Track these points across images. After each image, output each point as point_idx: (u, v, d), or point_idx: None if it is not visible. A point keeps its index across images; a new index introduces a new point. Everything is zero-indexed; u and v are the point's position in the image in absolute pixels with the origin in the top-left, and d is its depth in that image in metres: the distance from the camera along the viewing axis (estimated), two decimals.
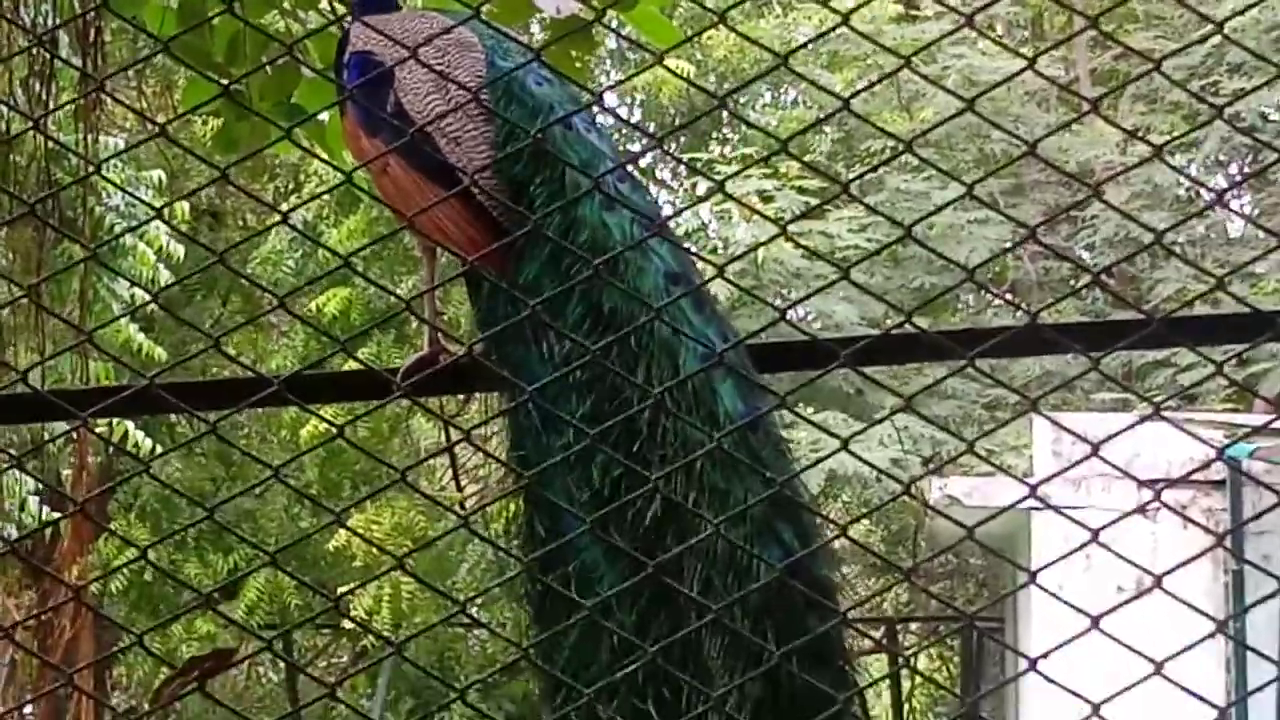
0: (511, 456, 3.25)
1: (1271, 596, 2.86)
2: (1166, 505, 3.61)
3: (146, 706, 14.68)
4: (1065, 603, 2.76)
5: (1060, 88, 15.30)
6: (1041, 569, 3.49)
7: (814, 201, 12.61)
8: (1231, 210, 15.34)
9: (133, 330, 11.00)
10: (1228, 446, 8.84)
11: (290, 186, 13.76)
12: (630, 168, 3.83)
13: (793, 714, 2.91)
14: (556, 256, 3.09)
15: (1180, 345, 3.44)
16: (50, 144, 4.58)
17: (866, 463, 3.22)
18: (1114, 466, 3.01)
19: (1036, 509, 7.67)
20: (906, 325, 3.00)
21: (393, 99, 3.19)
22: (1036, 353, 3.92)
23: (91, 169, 4.46)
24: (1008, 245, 13.31)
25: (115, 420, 9.60)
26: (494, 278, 3.15)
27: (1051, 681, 2.66)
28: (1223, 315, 3.39)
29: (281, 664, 14.84)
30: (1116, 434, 3.27)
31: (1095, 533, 2.67)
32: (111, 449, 11.38)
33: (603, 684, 2.90)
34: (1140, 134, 13.81)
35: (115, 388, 3.75)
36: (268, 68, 4.71)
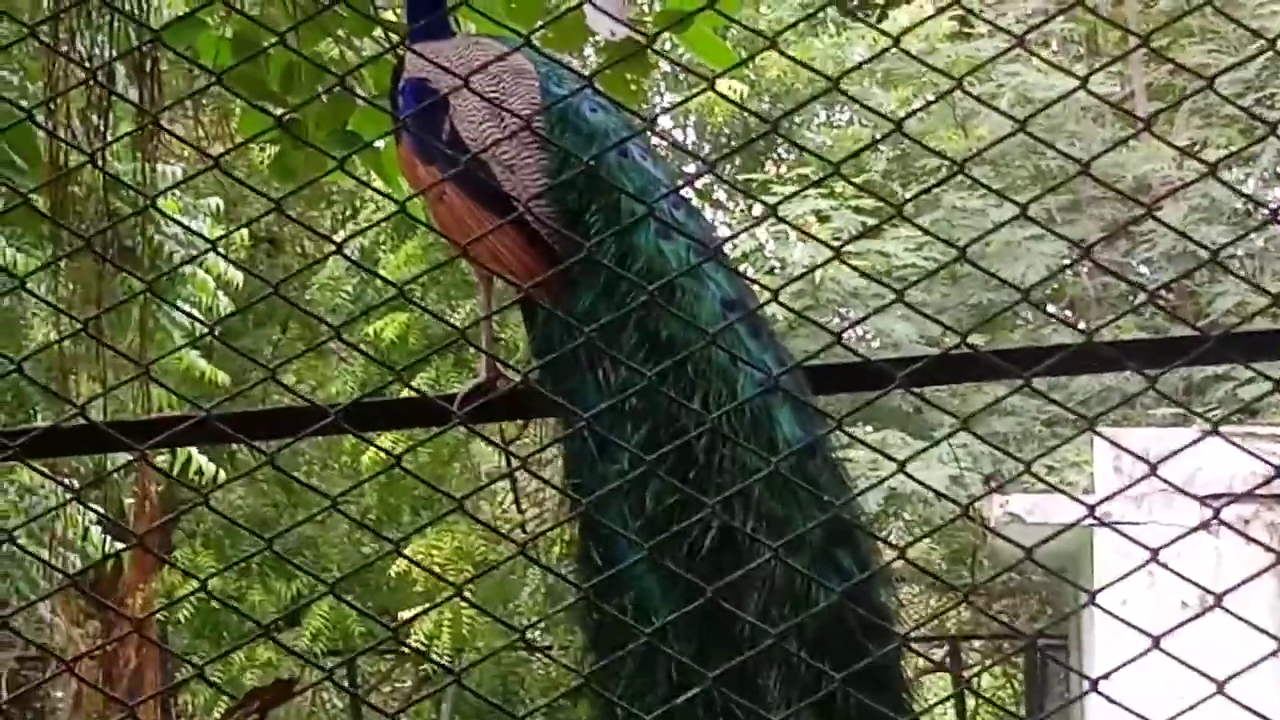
0: (567, 483, 3.29)
1: None
2: (1225, 523, 3.61)
3: None
4: (1126, 622, 2.72)
5: (1112, 106, 15.23)
6: (1102, 589, 3.50)
7: (871, 221, 12.62)
8: None
9: (194, 356, 11.16)
10: None
11: (348, 212, 13.90)
12: (685, 192, 3.88)
13: None
14: (612, 284, 3.12)
15: (1235, 362, 3.43)
16: (108, 176, 4.70)
17: (924, 485, 3.21)
18: (1172, 485, 3.05)
19: (1097, 526, 7.64)
20: (963, 345, 3.02)
21: (448, 126, 3.23)
22: (1094, 370, 3.96)
23: (148, 202, 4.61)
24: (1065, 262, 13.26)
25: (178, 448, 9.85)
26: (549, 305, 3.17)
27: (1113, 702, 2.64)
28: (1277, 330, 3.36)
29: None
30: (1176, 452, 3.30)
31: (1155, 551, 2.66)
32: (173, 477, 11.55)
33: (660, 713, 2.91)
34: (1196, 149, 13.83)
35: (175, 418, 3.77)
36: (323, 96, 4.76)
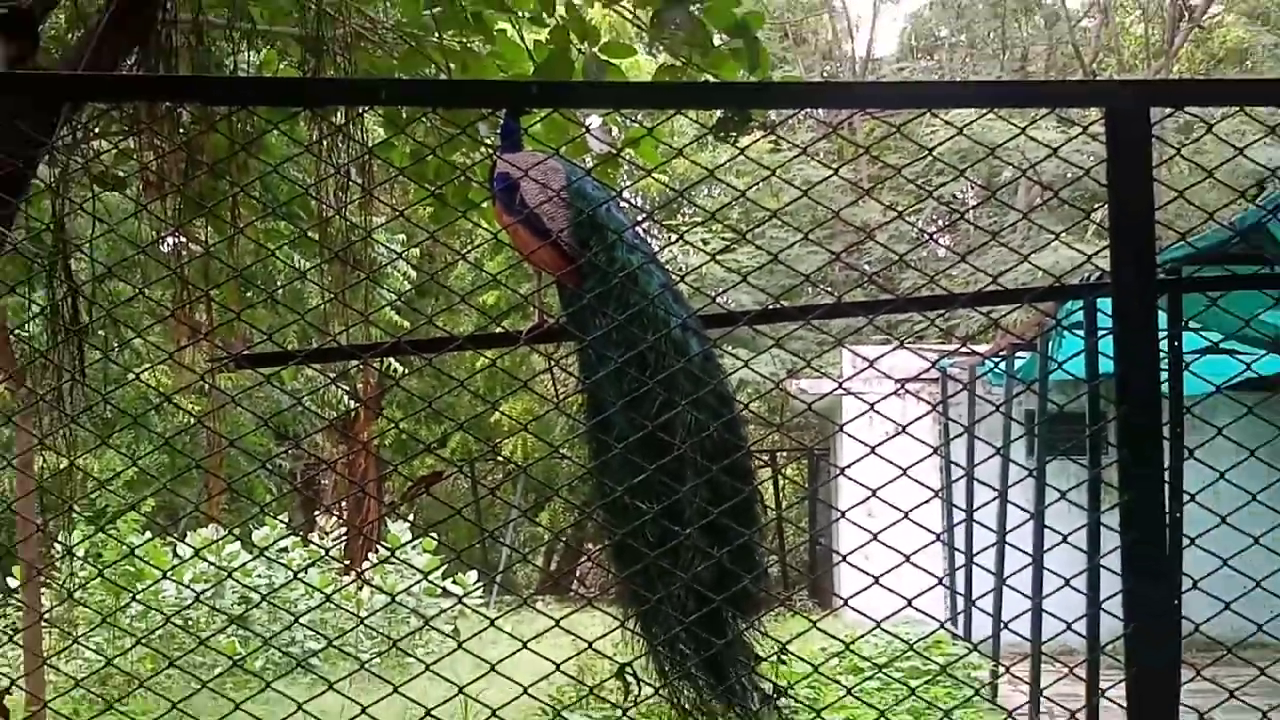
0: (582, 376, 4.32)
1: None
2: (909, 390, 5.31)
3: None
4: (856, 438, 3.87)
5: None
6: (847, 422, 5.18)
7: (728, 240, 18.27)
8: None
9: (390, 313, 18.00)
10: (938, 360, 14.13)
11: (474, 239, 18.97)
12: (639, 231, 4.70)
13: (720, 491, 3.90)
14: (604, 275, 4.13)
15: (913, 310, 4.70)
16: (347, 222, 6.16)
17: (758, 373, 4.62)
18: (879, 371, 3.99)
19: (843, 394, 10.80)
20: (776, 304, 4.59)
21: (519, 197, 4.16)
22: (845, 315, 5.08)
23: (366, 234, 5.95)
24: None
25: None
26: (571, 286, 4.22)
27: (853, 480, 3.41)
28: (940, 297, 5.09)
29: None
30: (880, 356, 4.35)
31: (871, 404, 3.55)
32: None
33: (625, 488, 3.87)
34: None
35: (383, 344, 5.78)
36: (455, 182, 6.14)
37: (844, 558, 3.81)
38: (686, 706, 3.97)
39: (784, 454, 26.24)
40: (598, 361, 4.11)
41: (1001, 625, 10.61)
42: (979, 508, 11.07)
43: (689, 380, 4.01)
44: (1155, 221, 2.65)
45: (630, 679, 3.93)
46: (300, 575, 13.71)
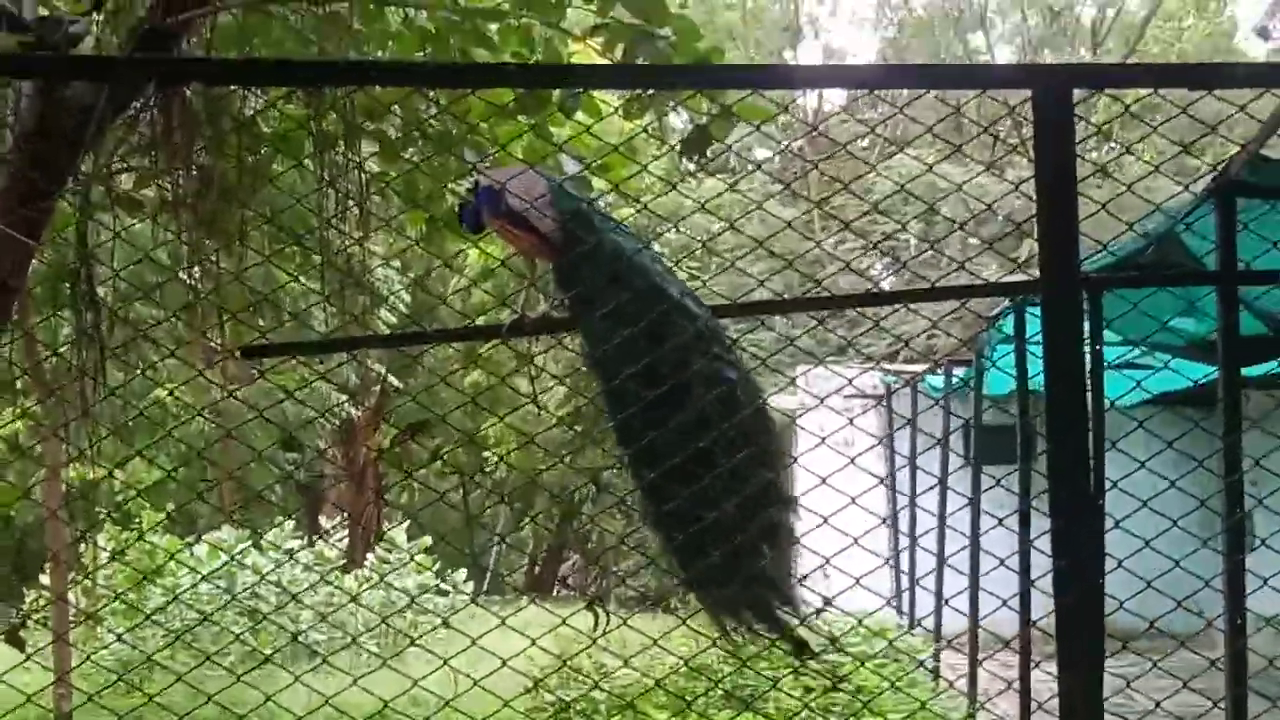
0: (589, 345, 4.07)
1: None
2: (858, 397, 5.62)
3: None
4: (813, 434, 3.80)
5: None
6: (799, 414, 5.41)
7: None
8: None
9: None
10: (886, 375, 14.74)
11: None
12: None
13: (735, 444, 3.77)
14: (581, 251, 4.04)
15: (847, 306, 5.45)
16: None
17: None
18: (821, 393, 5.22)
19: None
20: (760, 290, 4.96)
21: (503, 200, 4.17)
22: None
23: (356, 238, 5.88)
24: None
25: None
26: (556, 262, 4.19)
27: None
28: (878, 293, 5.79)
29: None
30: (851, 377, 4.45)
31: (821, 400, 4.50)
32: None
33: (639, 447, 3.77)
34: None
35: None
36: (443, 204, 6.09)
37: (797, 540, 3.86)
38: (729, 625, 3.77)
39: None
40: (599, 324, 3.94)
41: (943, 602, 10.63)
42: (922, 493, 11.14)
43: (690, 327, 3.89)
44: (1078, 218, 2.64)
45: (599, 611, 3.87)
46: (320, 571, 13.69)
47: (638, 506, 4.01)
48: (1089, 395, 2.74)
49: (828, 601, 3.68)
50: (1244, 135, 4.68)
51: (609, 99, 6.02)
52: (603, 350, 3.90)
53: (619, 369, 3.79)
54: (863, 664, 5.57)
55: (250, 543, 14.91)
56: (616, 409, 3.86)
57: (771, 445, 3.92)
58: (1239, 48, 31.28)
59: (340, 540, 16.87)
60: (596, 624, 3.92)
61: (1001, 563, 4.14)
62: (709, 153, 5.52)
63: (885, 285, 25.95)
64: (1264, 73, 3.04)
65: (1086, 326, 2.95)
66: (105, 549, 13.02)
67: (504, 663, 3.51)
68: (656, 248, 4.43)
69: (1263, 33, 30.26)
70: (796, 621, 3.80)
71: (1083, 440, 2.76)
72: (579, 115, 5.73)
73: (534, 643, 3.54)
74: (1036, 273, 2.72)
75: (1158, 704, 3.73)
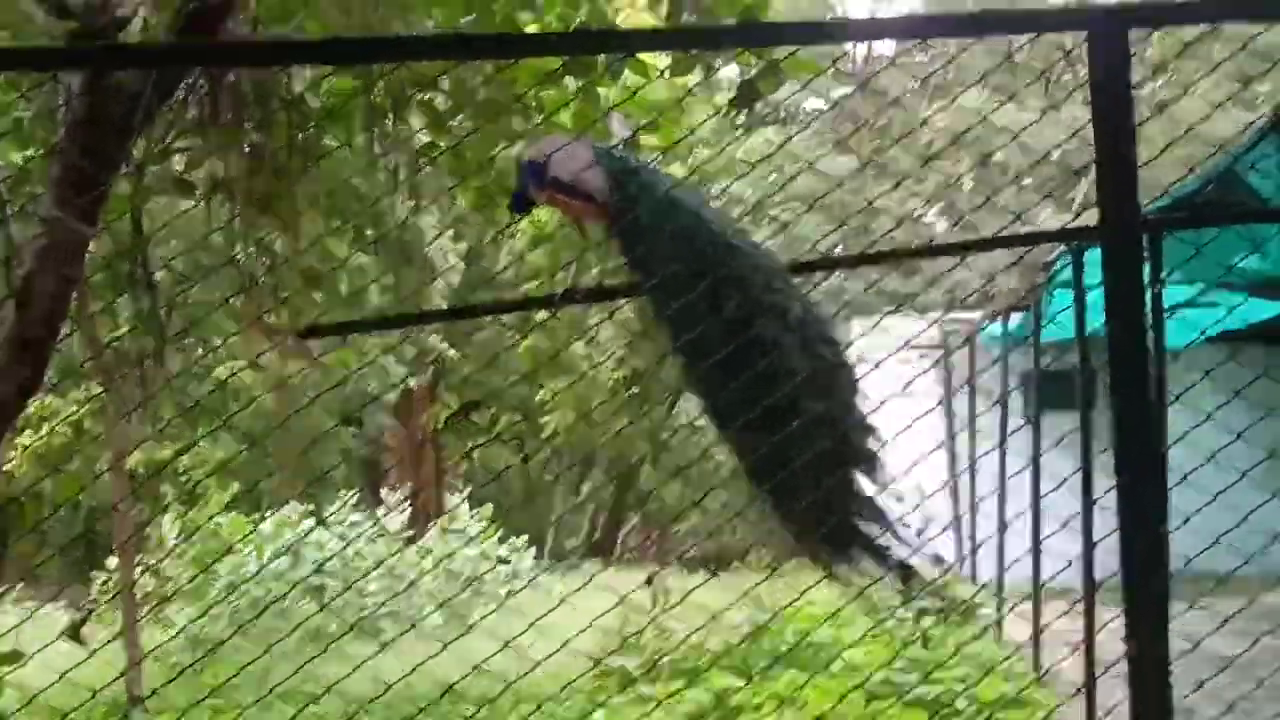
0: (654, 307, 3.93)
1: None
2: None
3: None
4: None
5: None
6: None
7: None
8: None
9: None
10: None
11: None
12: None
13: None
14: (641, 209, 3.90)
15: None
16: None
17: None
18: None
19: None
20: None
21: (548, 172, 4.07)
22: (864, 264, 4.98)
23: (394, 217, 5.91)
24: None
25: None
26: (610, 225, 4.06)
27: None
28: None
29: None
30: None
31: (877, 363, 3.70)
32: None
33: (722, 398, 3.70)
34: None
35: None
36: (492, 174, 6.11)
37: (862, 505, 3.81)
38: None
39: None
40: (667, 280, 3.81)
41: (1005, 567, 10.58)
42: (981, 456, 11.04)
43: (757, 278, 3.78)
44: (1138, 164, 2.61)
45: (657, 589, 3.80)
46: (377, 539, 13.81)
47: (729, 457, 3.90)
48: (1152, 345, 2.70)
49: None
50: None
51: (656, 59, 5.99)
52: (673, 307, 3.77)
53: (691, 323, 3.71)
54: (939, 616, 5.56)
55: (314, 519, 15.05)
56: (695, 361, 3.77)
57: (847, 377, 3.81)
58: None
59: (403, 513, 16.96)
60: (655, 602, 3.92)
61: (1064, 525, 4.08)
62: (758, 106, 5.46)
63: (939, 234, 25.67)
64: None
65: (1146, 270, 2.91)
66: (172, 533, 13.22)
67: (564, 644, 3.52)
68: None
69: None
70: (903, 551, 3.72)
71: (1147, 394, 2.73)
72: (627, 75, 5.72)
73: (591, 624, 3.55)
74: (1093, 216, 2.69)
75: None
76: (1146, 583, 2.71)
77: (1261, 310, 8.24)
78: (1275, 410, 4.08)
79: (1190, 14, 2.95)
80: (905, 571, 3.72)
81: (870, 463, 3.71)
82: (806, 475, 3.56)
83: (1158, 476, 2.79)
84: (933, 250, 5.03)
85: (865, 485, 3.72)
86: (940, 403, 13.93)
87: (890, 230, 20.33)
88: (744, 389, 3.59)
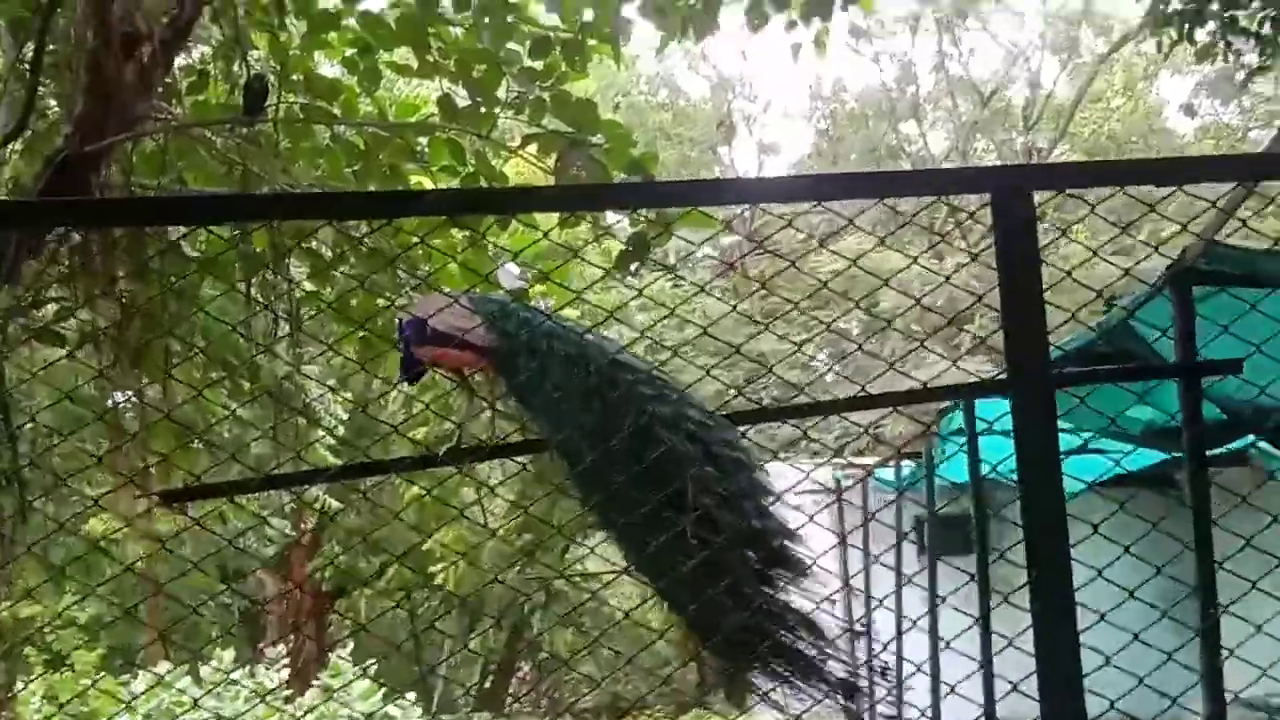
0: (545, 431, 3.90)
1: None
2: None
3: None
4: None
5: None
6: None
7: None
8: None
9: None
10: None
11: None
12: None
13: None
14: (519, 358, 3.91)
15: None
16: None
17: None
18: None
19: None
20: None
21: (428, 327, 4.07)
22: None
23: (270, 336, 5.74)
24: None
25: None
26: (494, 375, 4.14)
27: None
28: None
29: None
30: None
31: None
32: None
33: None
34: None
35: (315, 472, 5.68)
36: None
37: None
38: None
39: None
40: (545, 410, 3.81)
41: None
42: (884, 598, 10.95)
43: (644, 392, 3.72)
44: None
45: None
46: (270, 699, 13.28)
47: (639, 572, 3.77)
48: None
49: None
50: (1178, 213, 4.68)
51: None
52: (558, 424, 3.74)
53: (587, 445, 3.64)
54: None
55: (187, 676, 14.47)
56: (595, 485, 3.66)
57: (754, 479, 3.74)
58: (1167, 126, 32.08)
59: (281, 670, 16.36)
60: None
61: (969, 676, 4.01)
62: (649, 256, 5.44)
63: (829, 377, 25.95)
64: (1230, 166, 3.03)
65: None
66: (36, 694, 12.60)
67: None
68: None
69: (1189, 110, 31.12)
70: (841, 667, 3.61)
71: (1065, 540, 2.69)
72: (515, 226, 5.71)
73: None
74: (978, 362, 2.67)
75: None
76: None
77: (1146, 458, 8.37)
78: (1170, 559, 4.07)
79: (1092, 177, 2.97)
80: (848, 688, 3.61)
81: (796, 568, 3.61)
82: (732, 592, 3.45)
83: (1072, 621, 2.72)
84: (832, 406, 4.89)
85: (795, 596, 3.61)
86: (839, 542, 13.96)
87: (773, 371, 20.60)
88: (654, 510, 3.48)
